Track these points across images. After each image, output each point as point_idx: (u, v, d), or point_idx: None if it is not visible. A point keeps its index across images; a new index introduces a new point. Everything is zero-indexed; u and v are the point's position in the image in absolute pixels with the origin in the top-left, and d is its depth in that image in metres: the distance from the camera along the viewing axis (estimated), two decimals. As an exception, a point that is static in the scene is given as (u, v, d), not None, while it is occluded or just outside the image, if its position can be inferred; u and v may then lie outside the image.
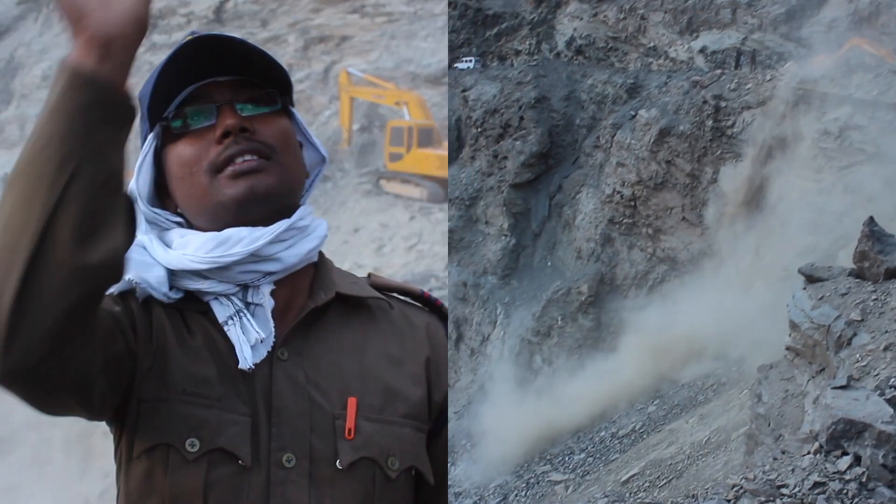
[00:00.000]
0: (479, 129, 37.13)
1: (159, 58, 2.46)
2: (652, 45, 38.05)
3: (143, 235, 2.26)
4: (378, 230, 30.86)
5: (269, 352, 2.18)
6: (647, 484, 18.78)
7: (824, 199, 24.50)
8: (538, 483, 24.54)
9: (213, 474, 2.07)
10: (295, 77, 38.58)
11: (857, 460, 4.99)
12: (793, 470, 5.00)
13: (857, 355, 8.13)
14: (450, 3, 40.82)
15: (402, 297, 2.48)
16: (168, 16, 43.63)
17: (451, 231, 35.24)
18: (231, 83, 2.23)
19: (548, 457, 25.58)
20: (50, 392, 1.93)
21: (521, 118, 36.06)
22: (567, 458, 24.99)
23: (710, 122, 30.18)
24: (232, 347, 2.15)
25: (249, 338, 2.15)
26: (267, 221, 2.20)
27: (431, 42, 36.94)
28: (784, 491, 4.83)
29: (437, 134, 33.20)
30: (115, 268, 1.84)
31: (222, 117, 2.19)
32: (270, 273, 2.22)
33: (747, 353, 22.08)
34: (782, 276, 23.19)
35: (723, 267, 28.77)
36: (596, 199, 34.06)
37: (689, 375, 25.28)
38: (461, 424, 29.34)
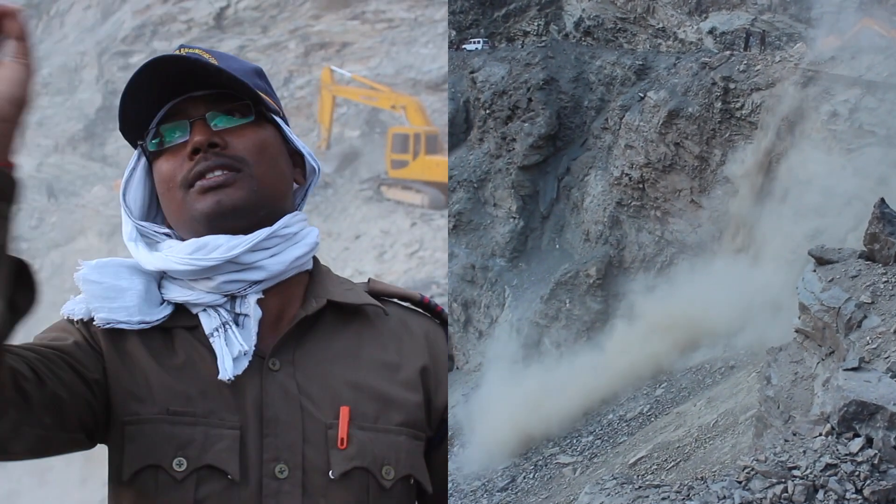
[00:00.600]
0: (488, 111, 37.05)
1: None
2: (661, 26, 37.92)
3: (130, 242, 2.29)
4: (379, 237, 30.96)
5: (260, 361, 2.19)
6: (654, 466, 18.82)
7: (834, 181, 24.40)
8: (546, 465, 24.61)
9: (201, 492, 2.08)
10: (295, 83, 38.62)
11: (869, 442, 4.99)
12: (804, 452, 5.00)
13: (868, 338, 8.10)
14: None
15: (401, 303, 2.49)
16: (168, 22, 43.72)
17: (458, 213, 35.27)
18: (206, 97, 2.24)
19: (555, 439, 25.64)
20: (22, 453, 1.98)
21: (530, 100, 35.97)
22: (575, 441, 25.03)
23: (718, 104, 30.06)
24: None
25: (232, 350, 2.15)
26: (248, 230, 2.21)
27: (432, 48, 37.00)
28: (795, 473, 4.82)
29: (440, 140, 33.31)
30: None
31: (193, 132, 2.21)
32: (256, 282, 2.23)
33: (755, 336, 22.07)
34: (791, 259, 23.18)
35: (731, 249, 28.74)
36: (604, 182, 34.00)
37: (697, 358, 25.28)
38: (469, 407, 29.41)
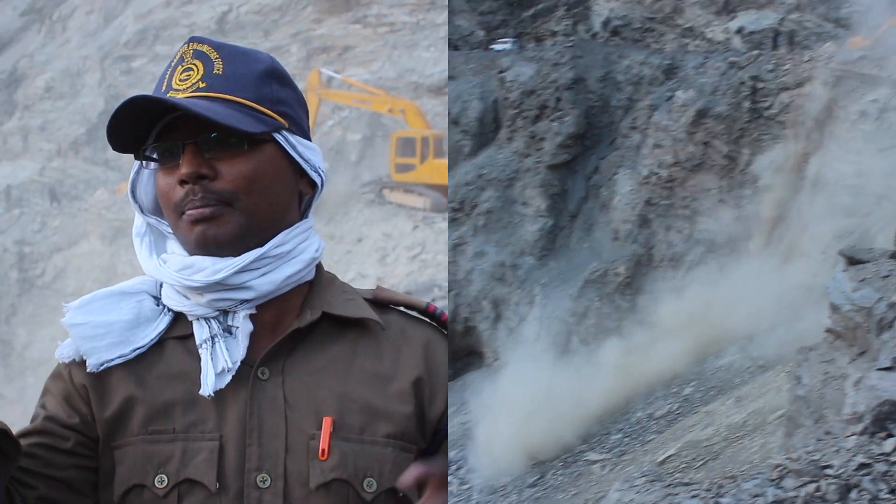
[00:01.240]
0: (516, 111, 37.03)
1: (161, 68, 2.51)
2: (688, 25, 37.82)
3: (137, 238, 2.34)
4: (381, 240, 30.95)
5: (249, 370, 2.20)
6: (683, 465, 18.85)
7: (863, 181, 24.32)
8: (575, 462, 24.67)
9: None
10: (297, 87, 38.82)
11: (902, 442, 5.04)
12: (837, 451, 5.02)
13: (899, 338, 8.17)
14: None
15: (404, 311, 2.44)
16: (170, 27, 43.82)
17: (488, 212, 35.26)
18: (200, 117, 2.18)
19: (584, 437, 25.67)
20: None
21: (558, 99, 35.94)
22: (603, 439, 25.08)
23: (747, 104, 29.99)
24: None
25: (216, 365, 2.16)
26: (236, 252, 2.20)
27: (433, 52, 36.98)
28: (828, 472, 4.84)
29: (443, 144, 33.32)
30: None
31: (185, 159, 2.17)
32: (246, 301, 2.23)
33: (784, 336, 22.02)
34: (820, 259, 23.12)
35: (760, 249, 28.65)
36: (633, 181, 33.94)
37: (726, 358, 25.24)
38: (493, 403, 29.43)
